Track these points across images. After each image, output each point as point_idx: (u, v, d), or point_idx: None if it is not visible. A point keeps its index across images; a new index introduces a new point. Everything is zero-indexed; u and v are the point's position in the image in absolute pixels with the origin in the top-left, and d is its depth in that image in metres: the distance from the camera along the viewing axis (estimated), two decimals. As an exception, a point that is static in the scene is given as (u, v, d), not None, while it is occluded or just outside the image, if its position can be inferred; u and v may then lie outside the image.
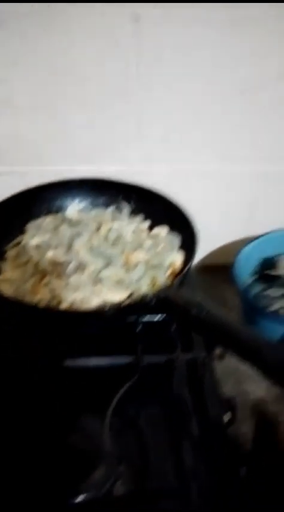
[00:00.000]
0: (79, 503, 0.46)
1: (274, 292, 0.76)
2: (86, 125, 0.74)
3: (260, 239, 0.80)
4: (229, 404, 0.58)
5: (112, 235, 0.71)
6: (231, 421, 0.57)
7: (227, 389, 0.67)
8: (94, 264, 0.64)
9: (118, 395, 0.52)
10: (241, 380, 0.70)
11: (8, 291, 0.59)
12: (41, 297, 0.59)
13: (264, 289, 0.78)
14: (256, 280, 0.81)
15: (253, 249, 0.79)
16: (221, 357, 0.72)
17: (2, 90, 0.70)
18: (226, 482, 0.49)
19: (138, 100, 0.72)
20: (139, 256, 0.67)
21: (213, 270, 0.88)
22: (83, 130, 0.75)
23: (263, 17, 0.65)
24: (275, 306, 0.74)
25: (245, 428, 0.63)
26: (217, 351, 0.72)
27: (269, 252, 0.81)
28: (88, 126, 0.74)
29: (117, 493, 0.48)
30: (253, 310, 0.71)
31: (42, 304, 0.57)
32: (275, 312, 0.72)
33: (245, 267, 0.75)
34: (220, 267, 0.91)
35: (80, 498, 0.46)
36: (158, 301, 0.56)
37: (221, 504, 0.47)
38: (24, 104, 0.71)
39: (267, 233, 0.82)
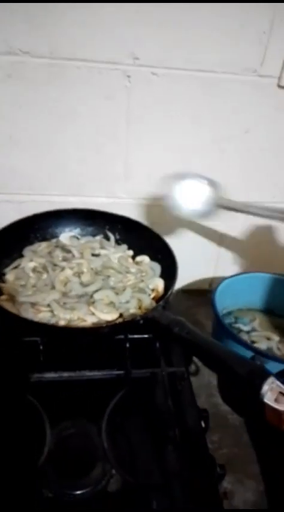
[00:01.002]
0: (79, 496, 0.52)
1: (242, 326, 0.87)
2: (79, 161, 0.83)
3: (234, 278, 0.88)
4: (202, 415, 0.66)
5: (100, 262, 0.79)
6: (205, 430, 0.66)
7: (201, 401, 0.75)
8: (88, 287, 0.72)
9: (111, 404, 0.60)
10: (212, 394, 0.79)
11: (12, 309, 0.65)
12: (42, 315, 0.65)
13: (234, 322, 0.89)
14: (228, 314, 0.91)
15: (226, 286, 0.86)
16: (195, 373, 0.81)
17: (5, 127, 0.77)
18: (204, 479, 0.57)
19: (125, 143, 0.83)
20: (127, 280, 0.76)
21: (187, 293, 0.99)
22: (76, 166, 0.83)
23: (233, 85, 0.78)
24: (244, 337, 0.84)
25: (215, 437, 0.71)
26: (192, 367, 0.81)
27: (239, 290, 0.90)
28: (81, 163, 0.83)
29: (111, 489, 0.55)
30: (227, 335, 0.78)
31: (43, 321, 0.64)
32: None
33: (220, 300, 0.83)
34: (192, 291, 1.02)
35: (80, 492, 0.52)
36: (145, 320, 0.65)
37: (200, 498, 0.55)
38: (24, 141, 0.79)
39: (241, 273, 0.91)
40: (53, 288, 0.72)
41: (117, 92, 0.77)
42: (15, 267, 0.77)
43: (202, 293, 1.01)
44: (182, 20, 0.71)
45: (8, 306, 0.66)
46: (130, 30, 0.71)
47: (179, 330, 0.61)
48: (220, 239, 0.96)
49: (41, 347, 0.64)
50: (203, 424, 0.65)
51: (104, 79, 0.75)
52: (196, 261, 0.96)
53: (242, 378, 0.54)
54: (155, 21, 0.71)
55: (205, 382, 0.80)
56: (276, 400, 0.49)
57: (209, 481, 0.58)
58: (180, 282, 0.98)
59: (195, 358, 0.79)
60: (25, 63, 0.72)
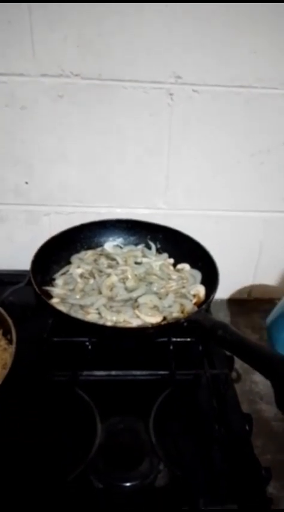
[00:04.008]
0: (128, 489, 0.54)
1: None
2: (123, 175, 0.88)
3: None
4: (246, 418, 0.67)
5: (143, 269, 0.83)
6: (249, 433, 0.66)
7: (243, 407, 0.76)
8: (133, 292, 0.75)
9: (157, 403, 0.62)
10: (254, 400, 0.79)
11: (63, 310, 0.69)
12: (91, 317, 0.69)
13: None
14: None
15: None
16: (237, 379, 0.82)
17: (57, 144, 0.84)
18: (250, 481, 0.58)
19: (167, 157, 0.87)
20: (169, 286, 0.79)
21: (226, 302, 1.00)
22: (121, 179, 0.89)
23: (272, 99, 0.82)
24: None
25: (259, 443, 0.71)
26: (234, 374, 0.82)
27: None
28: (125, 176, 0.88)
29: (159, 484, 0.56)
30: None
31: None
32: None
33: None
34: (231, 301, 1.03)
35: (129, 484, 0.54)
36: (189, 323, 0.67)
37: (247, 499, 0.56)
38: (74, 157, 0.85)
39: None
40: (100, 292, 0.76)
41: (160, 109, 0.82)
42: (64, 273, 0.82)
43: (241, 302, 1.02)
44: (221, 39, 0.76)
45: (61, 308, 0.70)
46: (173, 51, 0.77)
47: (223, 332, 0.63)
48: (260, 248, 0.97)
49: (89, 347, 0.67)
50: (247, 428, 0.66)
51: (148, 98, 0.80)
52: (235, 270, 0.97)
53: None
54: (195, 42, 0.76)
55: (246, 389, 0.81)
56: None
57: (255, 483, 0.58)
58: (219, 291, 0.99)
59: (236, 365, 0.80)
60: (76, 85, 0.79)
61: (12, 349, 0.58)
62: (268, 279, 1.00)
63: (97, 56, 0.76)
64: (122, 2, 0.72)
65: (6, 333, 0.64)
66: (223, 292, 1.01)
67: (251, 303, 1.03)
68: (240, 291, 1.03)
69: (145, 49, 0.76)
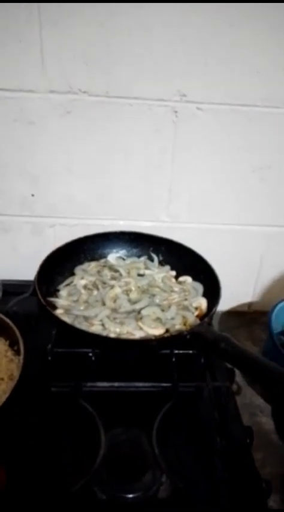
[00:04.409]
0: (131, 500, 0.55)
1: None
2: (127, 188, 0.90)
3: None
4: (247, 431, 0.68)
5: (146, 281, 0.84)
6: (249, 447, 0.67)
7: (244, 420, 0.76)
8: (136, 304, 0.77)
9: (160, 414, 0.63)
10: (255, 413, 0.80)
11: (68, 321, 0.70)
12: (94, 328, 0.70)
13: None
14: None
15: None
16: (237, 392, 0.82)
17: (64, 158, 0.86)
18: (250, 493, 0.59)
19: (170, 172, 0.89)
20: (171, 299, 0.80)
21: (227, 315, 1.02)
22: (124, 193, 0.90)
23: (274, 117, 0.84)
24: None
25: (259, 455, 0.72)
26: (234, 386, 0.83)
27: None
28: (129, 190, 0.90)
29: (161, 496, 0.57)
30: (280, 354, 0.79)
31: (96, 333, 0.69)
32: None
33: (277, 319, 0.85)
34: (232, 313, 1.05)
35: (132, 496, 0.55)
36: (192, 335, 0.68)
37: (247, 507, 0.57)
38: (79, 171, 0.87)
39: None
40: (104, 304, 0.77)
41: (164, 126, 0.84)
42: (68, 284, 0.83)
43: (241, 315, 1.03)
44: (226, 59, 0.78)
45: (65, 319, 0.71)
46: (178, 70, 0.79)
47: (225, 345, 0.64)
48: (260, 262, 0.99)
49: (93, 358, 0.68)
50: (248, 440, 0.67)
51: (154, 114, 0.82)
52: (236, 283, 0.99)
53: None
54: (200, 61, 0.78)
55: (247, 402, 0.82)
56: None
57: (256, 495, 0.59)
58: (219, 304, 1.01)
59: (236, 378, 0.81)
60: (83, 101, 0.81)
61: (20, 360, 0.59)
62: (268, 292, 1.02)
63: (104, 73, 0.79)
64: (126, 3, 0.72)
65: (13, 344, 0.64)
66: (224, 304, 1.02)
67: (251, 315, 1.04)
68: (241, 304, 1.04)
69: (151, 68, 0.79)
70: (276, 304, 0.87)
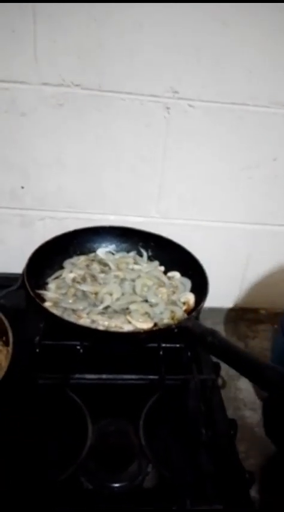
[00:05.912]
0: (117, 489, 0.56)
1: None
2: (118, 183, 0.90)
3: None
4: (231, 423, 0.69)
5: (134, 275, 0.85)
6: (233, 439, 0.68)
7: (228, 413, 0.78)
8: (123, 299, 0.77)
9: (147, 406, 0.64)
10: (238, 407, 0.82)
11: (57, 313, 0.71)
12: (83, 321, 0.71)
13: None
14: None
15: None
16: (222, 386, 0.84)
17: (55, 150, 0.85)
18: (234, 483, 0.60)
19: (161, 168, 0.90)
20: (160, 293, 0.81)
21: (212, 311, 1.03)
22: (115, 187, 0.91)
23: (264, 116, 0.86)
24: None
25: (243, 448, 0.74)
26: (219, 380, 0.84)
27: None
28: (119, 184, 0.91)
29: (147, 486, 0.58)
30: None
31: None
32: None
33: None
34: (217, 309, 1.06)
35: (118, 485, 0.56)
36: (180, 329, 0.69)
37: (233, 500, 0.58)
38: (70, 163, 0.87)
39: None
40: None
41: (156, 122, 0.84)
42: (57, 277, 0.83)
43: (227, 311, 1.05)
44: (218, 58, 0.79)
45: (53, 311, 0.71)
46: (171, 67, 0.80)
47: (212, 339, 0.66)
48: (247, 259, 1.00)
49: (81, 351, 0.69)
50: (232, 432, 0.68)
51: (145, 110, 0.83)
52: (222, 279, 1.00)
53: (272, 382, 0.58)
54: (193, 59, 0.79)
55: (231, 395, 0.83)
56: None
57: (240, 485, 0.60)
58: (207, 300, 1.02)
59: (222, 373, 0.82)
60: (76, 94, 0.81)
61: (8, 350, 0.59)
62: (254, 289, 1.04)
63: (97, 67, 0.79)
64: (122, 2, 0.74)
65: (1, 335, 0.64)
66: (211, 300, 1.03)
67: (237, 312, 1.06)
68: (227, 300, 1.06)
69: (144, 63, 0.79)
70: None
